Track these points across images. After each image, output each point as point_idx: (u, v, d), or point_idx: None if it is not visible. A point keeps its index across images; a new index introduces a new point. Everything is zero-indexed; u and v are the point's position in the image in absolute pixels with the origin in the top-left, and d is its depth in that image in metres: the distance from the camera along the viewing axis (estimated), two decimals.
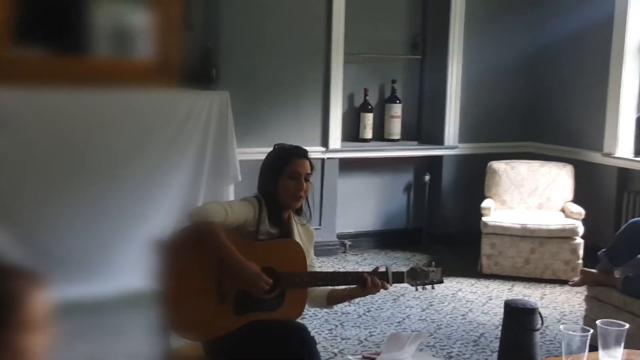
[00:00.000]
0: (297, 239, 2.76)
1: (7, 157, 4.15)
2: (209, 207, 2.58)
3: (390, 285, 2.70)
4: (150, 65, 4.76)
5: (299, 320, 2.76)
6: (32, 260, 4.01)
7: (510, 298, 2.59)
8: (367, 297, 4.56)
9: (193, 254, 2.58)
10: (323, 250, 5.37)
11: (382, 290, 2.71)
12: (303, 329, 2.58)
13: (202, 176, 4.65)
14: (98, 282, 4.31)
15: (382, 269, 2.72)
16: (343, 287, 2.76)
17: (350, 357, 2.50)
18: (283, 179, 2.70)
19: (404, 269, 2.81)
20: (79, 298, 4.15)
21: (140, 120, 4.49)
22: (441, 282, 2.78)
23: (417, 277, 2.74)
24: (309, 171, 2.74)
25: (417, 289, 2.76)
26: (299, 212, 2.84)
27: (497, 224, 5.15)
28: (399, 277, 2.73)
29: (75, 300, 4.10)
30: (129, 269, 4.40)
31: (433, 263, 2.84)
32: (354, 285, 2.71)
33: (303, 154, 2.78)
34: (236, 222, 2.61)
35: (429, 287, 2.75)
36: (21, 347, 1.24)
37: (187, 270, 2.58)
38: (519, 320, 2.10)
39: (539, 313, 2.13)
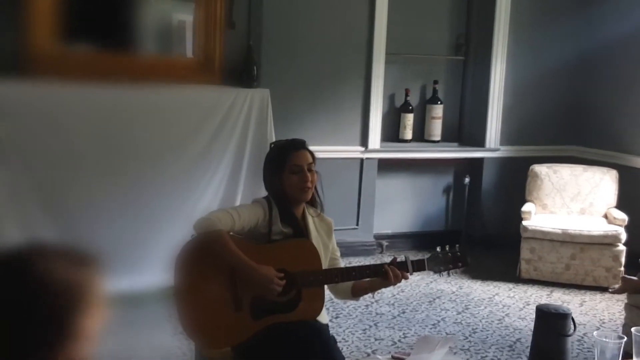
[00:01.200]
0: (314, 234, 2.73)
1: (54, 152, 4.23)
2: (212, 216, 2.54)
3: (411, 274, 2.66)
4: (193, 63, 4.81)
5: (328, 316, 2.75)
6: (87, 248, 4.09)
7: (537, 304, 2.54)
8: (402, 298, 4.60)
9: (204, 265, 2.57)
10: (360, 250, 5.36)
11: (415, 286, 2.68)
12: (321, 328, 2.57)
13: (241, 173, 4.68)
14: (134, 276, 4.38)
15: (401, 259, 2.69)
16: (365, 279, 2.72)
17: (379, 357, 2.48)
18: (286, 175, 2.66)
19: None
20: (114, 291, 4.21)
21: (182, 116, 4.55)
22: (466, 264, 2.71)
23: (440, 263, 2.69)
24: (310, 161, 2.69)
25: (441, 275, 2.71)
26: (312, 203, 2.79)
27: (538, 228, 5.07)
28: (420, 265, 2.68)
29: (110, 294, 4.17)
30: (165, 264, 4.45)
31: (456, 246, 2.78)
32: (375, 278, 2.67)
33: (300, 145, 2.73)
34: (246, 226, 2.59)
35: (453, 271, 2.69)
36: (83, 330, 1.26)
37: (201, 281, 2.57)
38: (551, 325, 2.06)
39: (572, 319, 2.08)
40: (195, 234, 2.56)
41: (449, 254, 2.72)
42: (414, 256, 5.43)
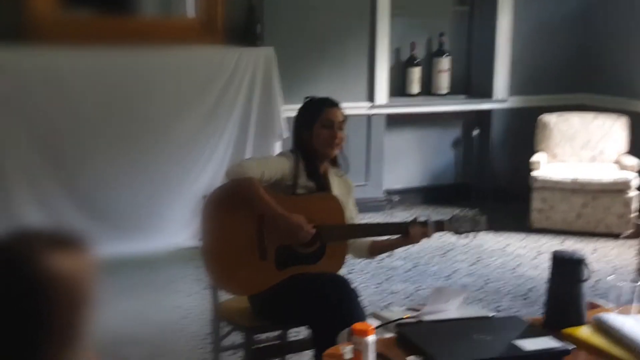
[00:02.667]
0: (336, 191, 2.76)
1: (58, 118, 4.22)
2: (245, 164, 2.59)
3: (432, 234, 2.68)
4: (195, 23, 4.76)
5: (341, 272, 2.77)
6: (85, 221, 4.12)
7: (553, 250, 2.54)
8: (414, 252, 4.61)
9: (233, 211, 2.60)
10: (370, 206, 5.36)
11: (426, 240, 2.70)
12: (344, 281, 2.59)
13: (249, 133, 4.66)
14: (148, 239, 4.40)
15: (422, 219, 2.70)
16: (385, 237, 2.75)
17: (395, 308, 2.50)
18: (317, 129, 2.70)
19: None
20: (130, 254, 4.26)
21: (187, 78, 4.52)
22: (484, 227, 2.73)
23: (460, 225, 2.71)
24: (341, 119, 2.73)
25: (459, 237, 2.73)
26: (334, 163, 2.82)
27: (548, 178, 5.05)
28: (440, 226, 2.70)
29: (125, 257, 4.22)
30: (178, 226, 4.48)
31: (477, 209, 2.80)
32: (396, 236, 2.70)
33: (335, 103, 2.78)
34: (273, 177, 2.62)
35: (472, 234, 2.71)
36: (80, 324, 1.19)
37: (229, 228, 2.61)
38: (566, 271, 2.06)
39: (585, 264, 2.08)
40: (227, 180, 2.58)
41: (469, 216, 2.73)
42: (424, 210, 5.49)
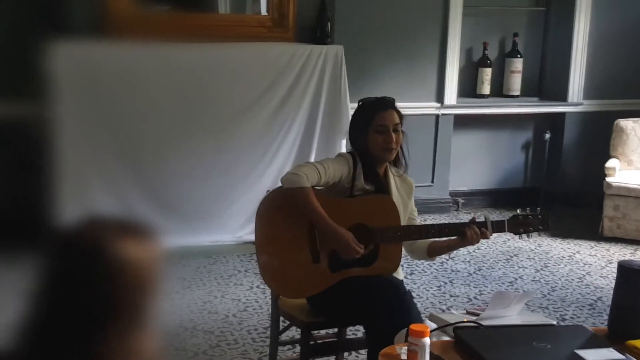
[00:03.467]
0: (395, 193, 2.72)
1: (133, 111, 4.33)
2: (301, 171, 2.54)
3: (491, 235, 2.62)
4: (267, 20, 4.81)
5: (403, 273, 2.75)
6: (153, 212, 4.21)
7: (619, 260, 2.46)
8: (479, 255, 4.54)
9: (286, 216, 2.59)
10: (435, 207, 5.31)
11: (492, 244, 2.65)
12: (398, 284, 2.56)
13: (315, 130, 4.68)
14: (213, 231, 4.48)
15: (481, 219, 2.64)
16: (443, 239, 2.71)
17: (453, 311, 2.47)
18: (371, 134, 2.64)
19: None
20: (196, 246, 4.35)
21: (257, 74, 4.56)
22: (547, 228, 2.66)
23: (520, 225, 2.64)
24: (397, 121, 2.66)
25: (520, 237, 2.66)
26: (395, 163, 2.78)
27: (622, 185, 4.89)
28: (500, 226, 2.64)
29: (192, 248, 4.31)
30: (243, 220, 4.54)
31: (538, 209, 2.72)
32: (454, 237, 2.65)
33: (388, 105, 2.70)
34: (331, 180, 2.60)
35: (534, 234, 2.64)
36: (149, 314, 1.21)
37: (283, 231, 2.61)
38: (632, 281, 2.00)
39: None
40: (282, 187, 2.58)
41: (530, 216, 2.66)
42: (490, 214, 5.38)
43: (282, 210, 2.61)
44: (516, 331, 2.11)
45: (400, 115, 2.70)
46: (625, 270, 2.04)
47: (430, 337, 1.89)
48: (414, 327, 1.86)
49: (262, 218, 2.63)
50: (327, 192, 2.63)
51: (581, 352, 1.92)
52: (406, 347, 1.89)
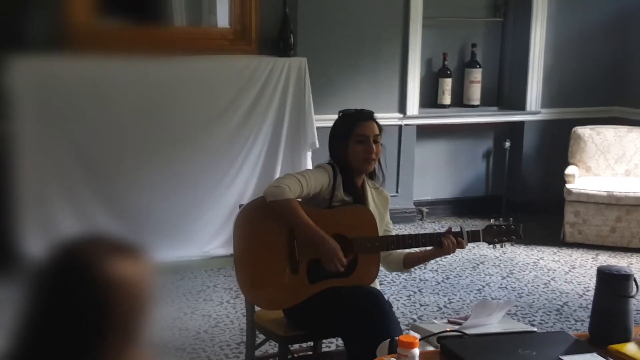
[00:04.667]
0: (372, 204, 2.74)
1: (95, 126, 4.25)
2: (284, 185, 2.54)
3: (467, 244, 2.65)
4: (229, 33, 4.79)
5: (374, 284, 2.75)
6: (119, 230, 4.14)
7: (599, 265, 2.51)
8: (446, 264, 4.58)
9: (264, 226, 2.59)
10: (400, 217, 5.33)
11: (458, 252, 2.68)
12: (377, 294, 2.57)
13: (281, 143, 4.66)
14: (180, 246, 4.42)
15: (457, 229, 2.67)
16: (418, 249, 2.72)
17: (435, 321, 2.48)
18: (351, 145, 2.66)
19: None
20: (161, 262, 4.27)
21: (220, 87, 4.53)
22: (520, 237, 2.71)
23: (494, 235, 2.68)
24: (377, 132, 2.69)
25: (495, 247, 2.70)
26: (372, 176, 2.80)
27: (582, 191, 5.00)
28: (475, 236, 2.68)
29: (159, 264, 4.23)
30: (209, 234, 4.50)
31: (511, 219, 2.77)
32: (430, 247, 2.67)
33: (368, 116, 2.73)
34: (312, 192, 2.61)
35: (507, 244, 2.68)
36: (142, 331, 1.21)
37: (260, 242, 2.60)
38: (613, 287, 2.03)
39: (635, 279, 2.05)
40: (266, 201, 2.56)
41: (504, 226, 2.70)
42: (454, 222, 5.45)
43: (260, 222, 2.60)
44: (500, 339, 2.13)
45: (380, 128, 2.73)
46: (604, 275, 2.07)
47: None
48: (403, 338, 1.86)
49: (240, 230, 2.61)
50: (305, 203, 2.62)
51: (566, 358, 1.94)
52: (394, 359, 1.88)
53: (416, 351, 1.82)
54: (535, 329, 2.31)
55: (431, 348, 2.15)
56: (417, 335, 1.94)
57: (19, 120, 4.05)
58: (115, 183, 4.30)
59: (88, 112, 4.24)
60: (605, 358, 1.98)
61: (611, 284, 2.04)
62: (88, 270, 1.18)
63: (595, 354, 1.98)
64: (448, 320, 2.34)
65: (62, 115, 4.18)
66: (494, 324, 2.25)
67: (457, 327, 2.21)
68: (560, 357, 1.94)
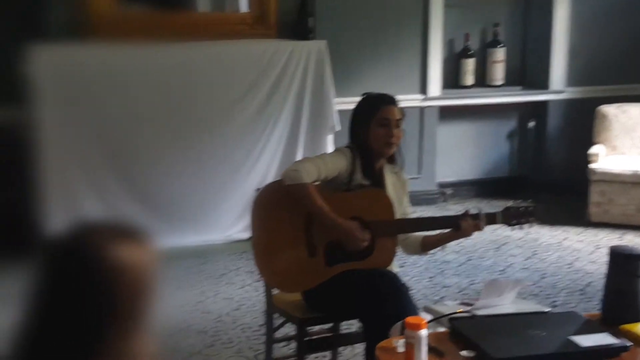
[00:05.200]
0: (390, 188, 2.74)
1: (117, 112, 4.30)
2: (301, 167, 2.56)
3: (484, 227, 2.64)
4: (248, 18, 4.79)
5: (391, 268, 2.76)
6: (142, 215, 4.20)
7: (611, 245, 2.49)
8: (468, 245, 4.56)
9: (282, 209, 2.60)
10: (422, 199, 5.32)
11: (481, 234, 2.67)
12: (394, 277, 2.57)
13: (301, 126, 4.67)
14: (201, 231, 4.46)
15: (474, 212, 2.66)
16: (436, 232, 2.72)
17: (448, 302, 2.48)
18: (373, 128, 2.66)
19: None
20: (184, 246, 4.34)
21: (240, 72, 4.55)
22: (539, 219, 2.68)
23: (512, 217, 2.66)
24: (398, 117, 2.69)
25: (512, 229, 2.68)
26: (391, 160, 2.80)
27: (607, 170, 4.93)
28: (493, 218, 2.66)
29: (180, 249, 4.30)
30: (231, 218, 4.54)
31: (529, 201, 2.75)
32: (447, 230, 2.66)
33: (391, 100, 2.74)
34: (330, 175, 2.61)
35: (526, 225, 2.66)
36: (145, 318, 1.22)
37: (277, 225, 2.61)
38: (625, 267, 2.01)
39: None
40: (283, 185, 2.57)
41: (522, 207, 2.68)
42: (478, 203, 5.42)
43: (277, 205, 2.62)
44: (510, 319, 2.13)
45: (402, 113, 2.73)
46: (616, 255, 2.06)
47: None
48: (410, 319, 1.87)
49: (257, 214, 2.63)
50: (323, 187, 2.63)
51: (575, 338, 1.93)
52: (403, 340, 1.90)
53: (423, 332, 1.83)
54: (548, 309, 2.30)
55: (443, 329, 2.15)
56: (427, 317, 1.94)
57: (42, 107, 4.11)
58: (137, 168, 4.36)
59: (110, 99, 4.28)
60: (616, 338, 1.97)
61: (623, 263, 2.03)
62: (92, 255, 1.19)
63: (606, 334, 1.98)
64: (461, 302, 2.34)
65: (85, 102, 4.23)
66: (506, 304, 2.25)
67: (468, 308, 2.21)
68: (569, 337, 1.93)
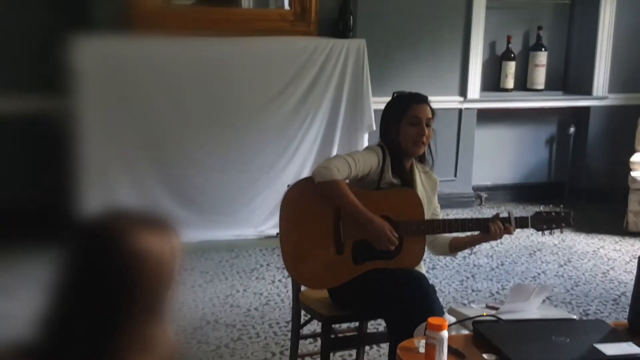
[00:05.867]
0: (420, 188, 2.73)
1: (157, 105, 4.36)
2: (332, 165, 2.56)
3: (514, 231, 2.62)
4: (289, 14, 4.82)
5: (425, 268, 2.75)
6: (175, 207, 4.25)
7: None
8: (502, 250, 4.52)
9: (311, 206, 2.61)
10: (458, 202, 5.28)
11: (515, 238, 2.64)
12: (421, 277, 2.56)
13: (338, 124, 4.68)
14: (235, 225, 4.50)
15: (504, 215, 2.64)
16: (465, 234, 2.70)
17: (473, 305, 2.47)
18: (404, 126, 2.66)
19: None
20: (217, 240, 4.38)
21: (280, 68, 4.57)
22: (570, 225, 2.65)
23: (544, 222, 2.63)
24: (429, 116, 2.69)
25: (543, 234, 2.66)
26: (421, 160, 2.80)
27: None
28: (523, 222, 2.63)
29: (213, 242, 4.34)
30: (264, 214, 4.56)
31: (561, 206, 2.71)
32: (477, 232, 2.65)
33: (423, 99, 2.73)
34: (361, 173, 2.62)
35: (557, 231, 2.63)
36: (155, 303, 1.24)
37: (306, 222, 2.62)
38: None
39: None
40: (315, 182, 2.58)
41: (554, 212, 2.65)
42: (514, 209, 5.36)
43: (306, 202, 2.63)
44: (535, 325, 2.10)
45: (433, 112, 2.72)
46: None
47: (449, 330, 1.89)
48: (431, 320, 1.86)
49: (287, 210, 2.64)
50: (353, 185, 2.64)
51: (600, 346, 1.91)
52: (424, 341, 1.89)
53: (444, 334, 1.82)
54: (574, 317, 2.27)
55: (466, 332, 2.14)
56: (451, 319, 1.94)
57: (84, 98, 4.18)
58: (174, 160, 4.41)
59: (151, 91, 4.34)
60: None
61: None
62: (115, 242, 1.21)
63: (631, 343, 1.94)
64: (486, 305, 2.32)
65: (126, 94, 4.29)
66: (532, 309, 2.22)
67: (493, 312, 2.20)
68: (594, 344, 1.91)
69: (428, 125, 2.68)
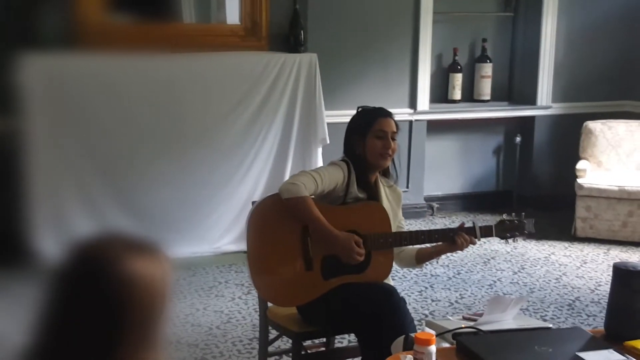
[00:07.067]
0: (385, 201, 2.75)
1: (107, 123, 4.26)
2: (299, 182, 2.55)
3: (479, 240, 2.66)
4: (240, 29, 4.79)
5: (387, 280, 2.76)
6: (128, 225, 4.15)
7: (614, 262, 2.51)
8: (457, 259, 4.58)
9: (278, 223, 2.60)
10: (410, 212, 5.33)
11: (470, 247, 2.69)
12: (392, 290, 2.58)
13: (291, 139, 4.66)
14: (191, 242, 4.43)
15: (469, 225, 2.68)
16: (430, 245, 2.73)
17: (450, 317, 2.48)
18: (370, 139, 2.69)
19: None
20: (175, 257, 4.28)
21: (231, 83, 4.53)
22: (532, 232, 2.72)
23: (507, 230, 2.69)
24: (394, 130, 2.73)
25: (507, 242, 2.71)
26: (385, 174, 2.82)
27: (593, 186, 4.98)
28: (487, 231, 2.69)
29: (176, 261, 4.24)
30: (220, 230, 4.51)
31: (523, 214, 2.77)
32: (442, 243, 2.68)
33: (388, 113, 2.77)
34: (327, 189, 2.62)
35: (520, 238, 2.69)
36: (148, 328, 1.20)
37: (274, 239, 2.61)
38: (629, 283, 2.03)
39: None
40: (282, 198, 2.56)
41: (516, 221, 2.71)
42: (464, 217, 5.45)
43: (274, 219, 2.61)
44: (516, 335, 2.13)
45: (397, 126, 2.77)
46: (620, 271, 2.07)
47: None
48: (419, 335, 1.86)
49: (254, 227, 2.62)
50: (319, 200, 2.63)
51: (583, 355, 1.94)
52: (410, 356, 1.89)
53: (433, 348, 1.82)
54: (550, 325, 2.31)
55: (446, 344, 2.15)
56: (433, 332, 1.94)
57: (31, 117, 4.06)
58: (127, 180, 4.31)
59: (99, 109, 4.25)
60: (621, 354, 1.98)
61: (627, 280, 2.04)
62: (105, 268, 1.18)
63: (611, 350, 1.98)
64: (463, 317, 2.34)
65: (74, 112, 4.19)
66: (509, 320, 2.25)
67: (472, 323, 2.21)
68: (576, 353, 1.94)
69: (393, 139, 2.72)
